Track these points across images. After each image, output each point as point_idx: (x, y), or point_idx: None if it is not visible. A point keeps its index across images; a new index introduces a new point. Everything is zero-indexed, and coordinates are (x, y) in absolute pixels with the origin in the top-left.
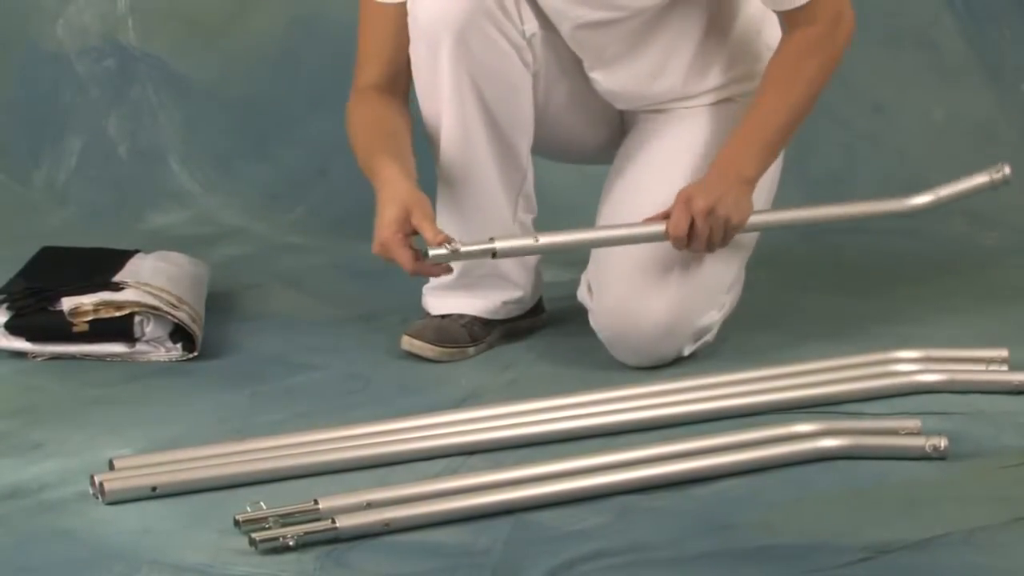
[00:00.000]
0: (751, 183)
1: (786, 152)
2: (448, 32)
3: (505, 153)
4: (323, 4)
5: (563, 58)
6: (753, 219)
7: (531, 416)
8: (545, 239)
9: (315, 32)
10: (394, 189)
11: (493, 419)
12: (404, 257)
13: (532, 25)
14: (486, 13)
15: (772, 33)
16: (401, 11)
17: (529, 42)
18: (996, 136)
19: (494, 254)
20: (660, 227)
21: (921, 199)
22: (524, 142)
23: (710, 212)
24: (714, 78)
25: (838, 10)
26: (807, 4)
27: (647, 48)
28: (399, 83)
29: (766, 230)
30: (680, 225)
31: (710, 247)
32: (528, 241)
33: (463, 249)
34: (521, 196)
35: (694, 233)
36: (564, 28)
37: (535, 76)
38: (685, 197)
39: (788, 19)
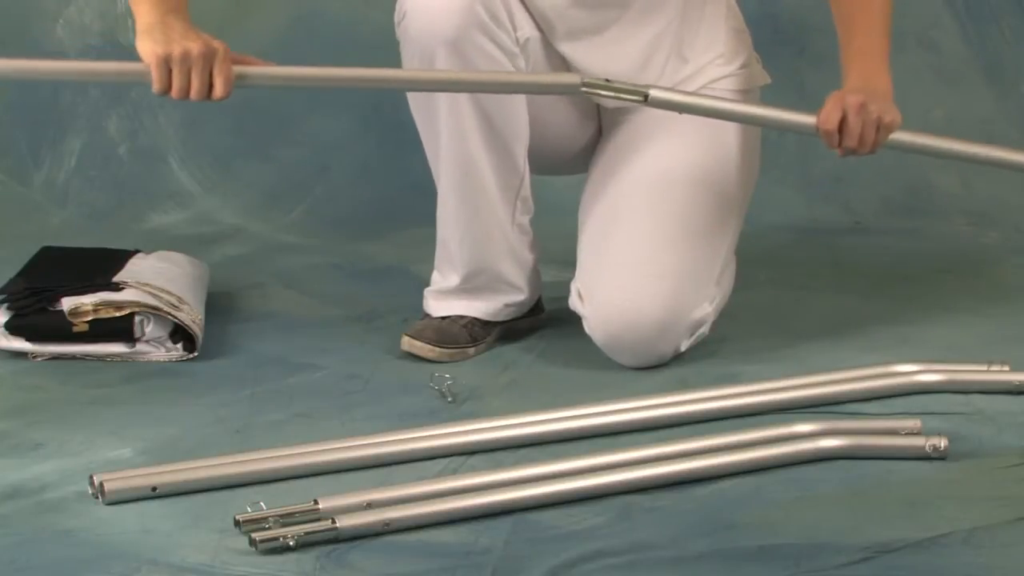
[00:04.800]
0: (889, 94)
1: (788, 151)
2: (441, 45)
3: (502, 159)
4: (323, 3)
5: (552, 62)
6: (899, 135)
7: (531, 417)
8: (697, 99)
9: (315, 32)
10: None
11: (493, 419)
12: (229, 74)
13: (524, 31)
14: (478, 24)
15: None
16: None
17: (523, 48)
18: (996, 136)
19: (646, 98)
20: (810, 119)
21: None
22: (520, 146)
23: (863, 107)
24: (692, 63)
25: None
26: None
27: (637, 30)
28: None
29: (909, 151)
30: (831, 118)
31: (863, 145)
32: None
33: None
34: (519, 199)
35: (846, 128)
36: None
37: None
38: (837, 95)
39: None
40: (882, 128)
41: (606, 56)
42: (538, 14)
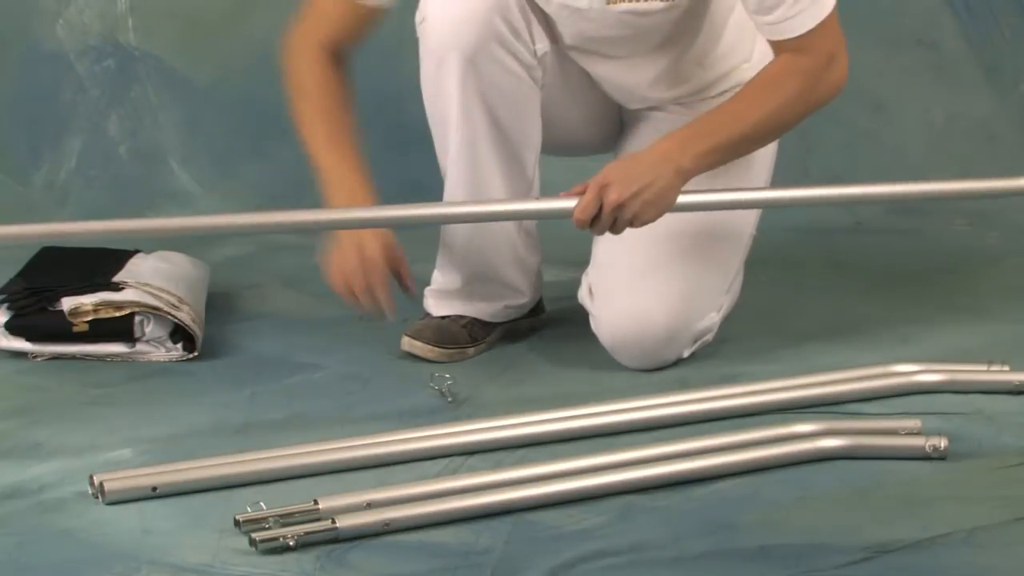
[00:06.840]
0: (687, 177)
1: (787, 151)
2: (457, 55)
3: (512, 167)
4: None
5: (570, 69)
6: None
7: (531, 417)
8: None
9: None
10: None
11: (493, 419)
12: (386, 299)
13: (543, 44)
14: (496, 37)
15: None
16: (362, 13)
17: (540, 60)
18: (996, 136)
19: None
20: (571, 204)
21: None
22: (531, 155)
23: (620, 206)
24: (713, 70)
25: (833, 51)
26: (800, 35)
27: (656, 55)
28: (349, 53)
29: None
30: (587, 211)
31: (613, 231)
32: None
33: None
34: None
35: (597, 221)
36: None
37: (542, 87)
38: (602, 182)
39: (779, 47)
40: (635, 224)
41: (623, 69)
42: (556, 31)
